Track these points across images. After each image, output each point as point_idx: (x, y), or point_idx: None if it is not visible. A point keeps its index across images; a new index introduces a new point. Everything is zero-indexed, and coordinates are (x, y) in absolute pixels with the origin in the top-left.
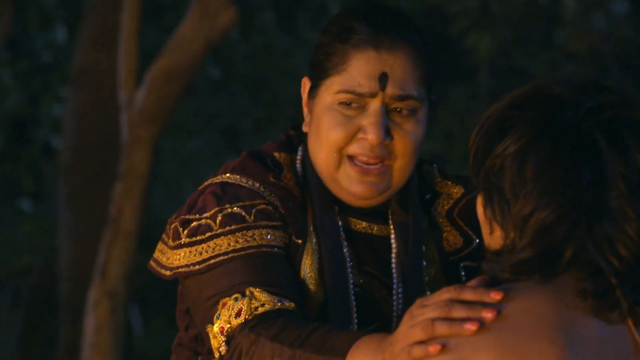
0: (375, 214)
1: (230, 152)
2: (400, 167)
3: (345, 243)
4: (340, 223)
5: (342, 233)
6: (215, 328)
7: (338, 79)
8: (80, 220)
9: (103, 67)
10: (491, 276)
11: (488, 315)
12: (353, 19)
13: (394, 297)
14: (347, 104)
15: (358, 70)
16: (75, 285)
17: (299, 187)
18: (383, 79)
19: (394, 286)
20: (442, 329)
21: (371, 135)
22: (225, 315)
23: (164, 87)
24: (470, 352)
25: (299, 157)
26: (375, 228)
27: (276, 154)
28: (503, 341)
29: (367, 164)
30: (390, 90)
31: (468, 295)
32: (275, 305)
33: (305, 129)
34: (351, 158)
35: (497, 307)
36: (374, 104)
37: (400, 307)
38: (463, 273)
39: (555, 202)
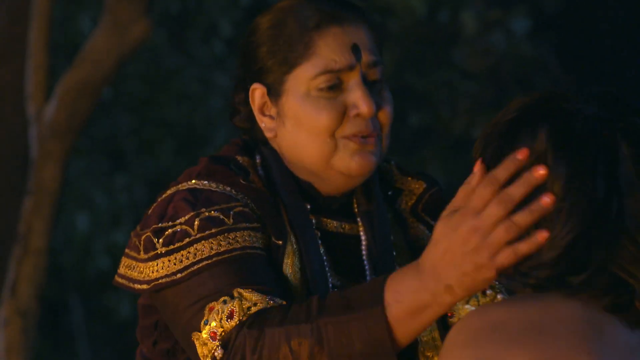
0: (344, 212)
1: (117, 172)
2: (386, 136)
3: (320, 242)
4: (314, 222)
5: (317, 233)
6: (205, 334)
7: (309, 64)
8: None
9: (6, 80)
10: (510, 290)
11: (546, 200)
12: (300, 6)
13: None
14: (326, 89)
15: (328, 48)
16: None
17: (267, 190)
18: (356, 49)
19: (367, 279)
20: (524, 218)
21: (364, 108)
22: (215, 319)
23: (75, 101)
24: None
25: (258, 161)
26: (347, 227)
27: (239, 158)
28: (539, 353)
29: (364, 137)
30: (365, 58)
31: (501, 174)
32: (268, 304)
33: (269, 134)
34: (348, 137)
35: (531, 316)
36: (354, 78)
37: None
38: None
39: (578, 220)
